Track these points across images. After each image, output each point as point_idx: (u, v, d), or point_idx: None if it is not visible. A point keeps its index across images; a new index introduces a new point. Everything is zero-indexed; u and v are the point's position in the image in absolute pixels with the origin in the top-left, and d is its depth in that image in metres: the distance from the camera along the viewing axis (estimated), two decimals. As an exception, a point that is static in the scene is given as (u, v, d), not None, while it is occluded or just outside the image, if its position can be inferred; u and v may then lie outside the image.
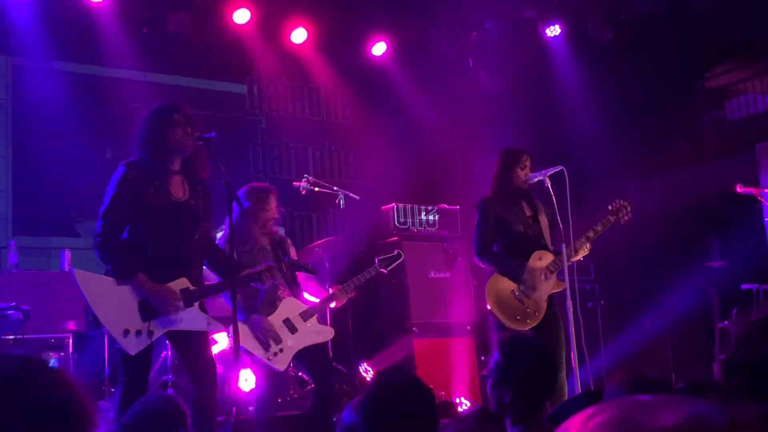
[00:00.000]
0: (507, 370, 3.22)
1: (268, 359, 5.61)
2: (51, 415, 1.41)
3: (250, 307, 5.68)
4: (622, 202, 5.99)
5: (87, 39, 8.15)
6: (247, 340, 5.50)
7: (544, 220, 5.99)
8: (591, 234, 5.91)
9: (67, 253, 7.39)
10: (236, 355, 4.36)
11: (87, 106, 8.17)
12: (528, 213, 5.98)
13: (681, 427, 0.92)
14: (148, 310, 4.41)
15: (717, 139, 9.34)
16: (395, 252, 6.36)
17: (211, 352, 4.67)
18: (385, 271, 6.35)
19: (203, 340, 4.62)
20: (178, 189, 4.60)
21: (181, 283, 4.50)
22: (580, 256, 5.87)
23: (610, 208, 6.00)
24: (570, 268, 5.76)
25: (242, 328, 5.39)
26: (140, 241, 4.47)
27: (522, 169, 5.91)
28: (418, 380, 2.69)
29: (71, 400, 1.45)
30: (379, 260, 6.26)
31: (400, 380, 2.66)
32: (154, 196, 4.47)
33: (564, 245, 5.70)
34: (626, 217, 5.97)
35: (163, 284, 4.45)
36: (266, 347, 5.62)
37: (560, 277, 5.82)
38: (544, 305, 5.83)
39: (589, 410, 1.01)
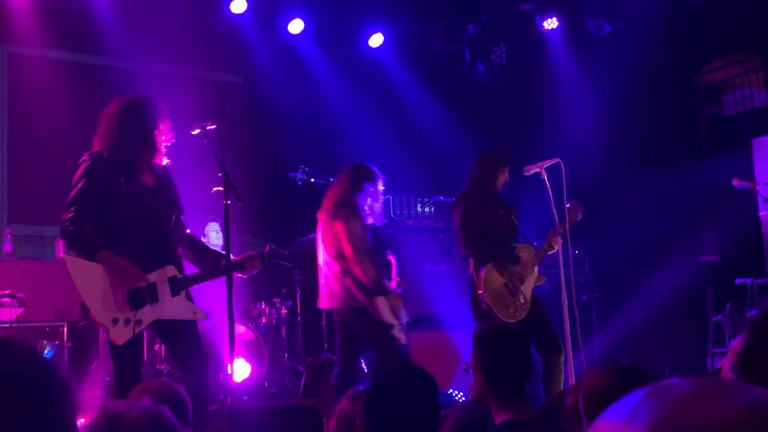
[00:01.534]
0: (478, 359, 3.25)
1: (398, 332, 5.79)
2: (30, 396, 1.40)
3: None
4: (576, 202, 6.08)
5: (83, 28, 8.13)
6: (389, 314, 5.71)
7: (514, 218, 6.11)
8: (561, 231, 6.01)
9: (61, 242, 7.38)
10: (231, 344, 4.33)
11: (83, 95, 8.15)
12: (501, 211, 6.08)
13: (746, 421, 0.79)
14: (137, 299, 4.36)
15: (713, 133, 9.35)
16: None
17: (201, 343, 4.57)
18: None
19: (191, 330, 4.55)
20: (147, 176, 4.57)
21: (169, 271, 4.47)
22: (555, 249, 5.95)
23: (568, 206, 6.06)
24: (566, 261, 5.83)
25: (383, 301, 5.65)
26: (118, 231, 4.41)
27: (502, 175, 6.03)
28: (420, 369, 2.70)
29: (51, 382, 1.43)
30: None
31: (402, 369, 2.66)
32: (125, 183, 4.43)
33: (560, 238, 5.78)
34: (578, 216, 6.07)
35: (146, 272, 4.38)
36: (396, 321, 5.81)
37: (551, 272, 5.96)
38: (530, 297, 5.92)
39: (624, 407, 0.88)
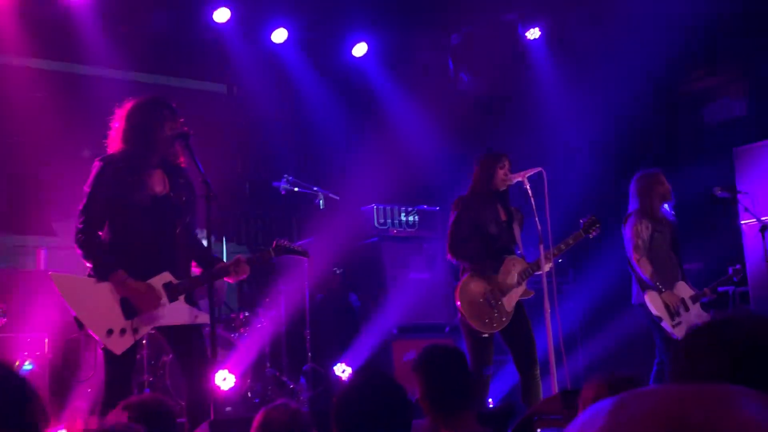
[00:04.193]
0: (418, 387, 3.25)
1: (672, 326, 6.32)
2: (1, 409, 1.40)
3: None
4: (592, 217, 6.11)
5: (65, 37, 8.10)
6: (660, 308, 6.34)
7: (516, 228, 6.07)
8: (562, 246, 6.00)
9: (44, 252, 7.34)
10: (214, 352, 4.30)
11: (65, 104, 8.12)
12: (503, 217, 6.02)
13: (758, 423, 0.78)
14: (131, 308, 4.36)
15: (695, 142, 9.41)
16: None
17: (205, 346, 4.50)
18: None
19: (195, 334, 4.53)
20: (158, 182, 4.57)
21: (164, 277, 4.46)
22: (547, 268, 5.87)
23: (581, 222, 6.10)
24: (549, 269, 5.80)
25: (654, 296, 6.35)
26: (121, 237, 4.44)
27: (501, 169, 5.95)
28: (390, 379, 2.69)
29: (20, 394, 1.44)
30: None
31: (372, 380, 2.65)
32: (133, 190, 4.44)
33: (542, 247, 5.73)
34: (594, 233, 6.10)
35: (145, 280, 4.40)
36: (672, 317, 6.34)
37: (534, 279, 5.93)
38: (512, 311, 5.86)
39: (615, 402, 0.89)
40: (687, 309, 6.46)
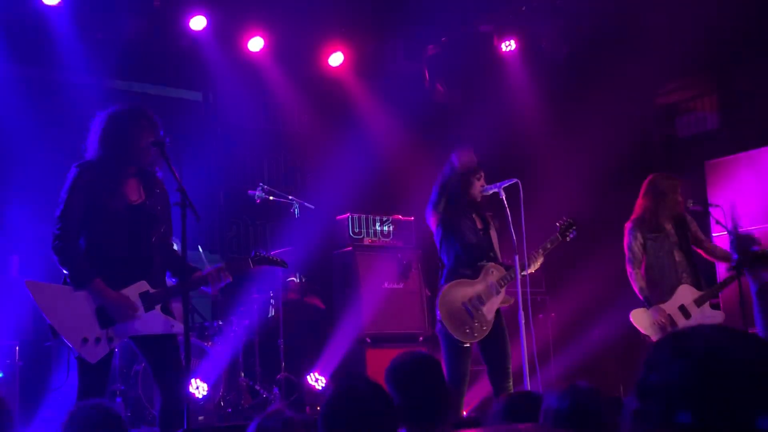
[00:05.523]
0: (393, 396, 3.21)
1: None
2: None
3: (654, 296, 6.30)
4: (568, 220, 6.13)
5: (40, 42, 8.04)
6: (646, 326, 6.25)
7: (494, 234, 6.09)
8: (541, 251, 6.03)
9: (16, 259, 7.27)
10: (188, 361, 4.28)
11: (39, 110, 8.06)
12: (479, 226, 6.06)
13: None
14: (106, 317, 4.34)
15: (667, 155, 9.50)
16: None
17: (180, 356, 4.49)
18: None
19: (169, 343, 4.51)
20: (134, 191, 4.55)
21: (141, 286, 4.44)
22: (532, 270, 5.95)
23: (558, 225, 6.13)
24: (522, 280, 5.83)
25: (638, 314, 6.28)
26: (97, 245, 4.41)
27: (478, 180, 6.00)
28: (377, 386, 2.70)
29: None
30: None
31: (359, 386, 2.66)
32: (109, 198, 4.42)
33: (517, 258, 5.76)
34: (571, 236, 6.12)
35: (121, 289, 4.37)
36: (663, 332, 6.10)
37: (509, 290, 5.94)
38: (492, 319, 5.88)
39: None
40: (688, 316, 6.30)
